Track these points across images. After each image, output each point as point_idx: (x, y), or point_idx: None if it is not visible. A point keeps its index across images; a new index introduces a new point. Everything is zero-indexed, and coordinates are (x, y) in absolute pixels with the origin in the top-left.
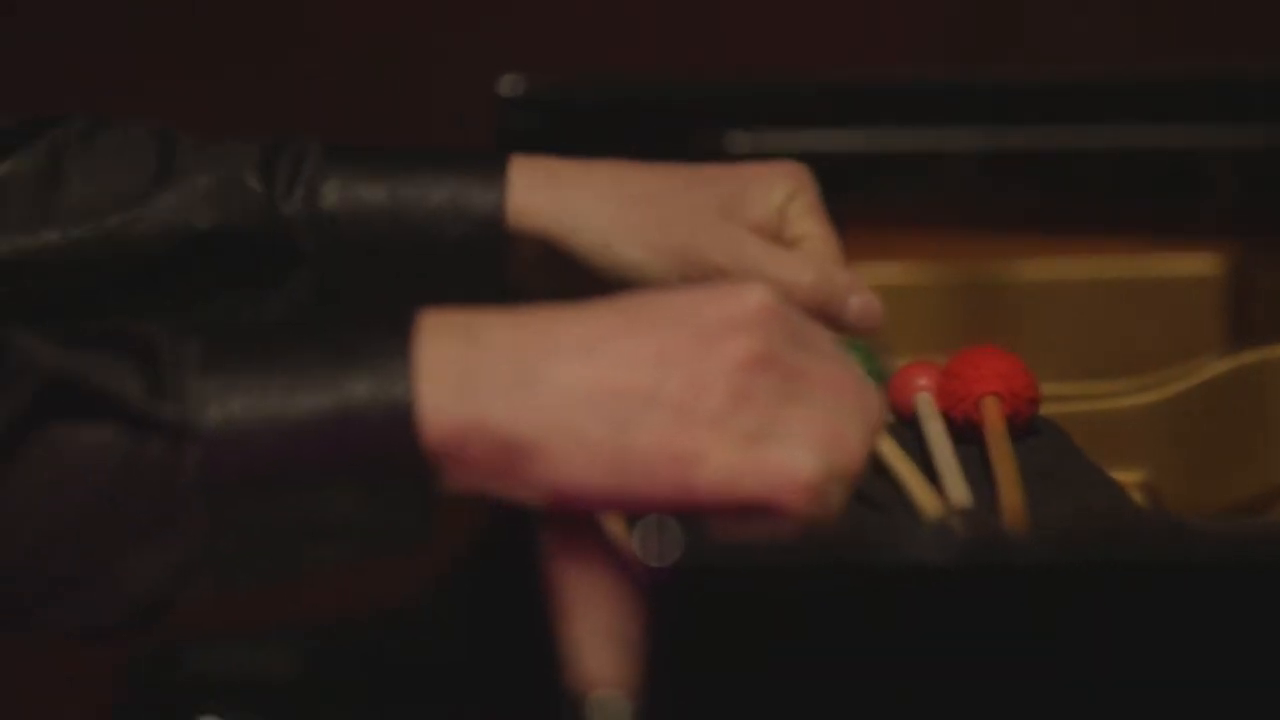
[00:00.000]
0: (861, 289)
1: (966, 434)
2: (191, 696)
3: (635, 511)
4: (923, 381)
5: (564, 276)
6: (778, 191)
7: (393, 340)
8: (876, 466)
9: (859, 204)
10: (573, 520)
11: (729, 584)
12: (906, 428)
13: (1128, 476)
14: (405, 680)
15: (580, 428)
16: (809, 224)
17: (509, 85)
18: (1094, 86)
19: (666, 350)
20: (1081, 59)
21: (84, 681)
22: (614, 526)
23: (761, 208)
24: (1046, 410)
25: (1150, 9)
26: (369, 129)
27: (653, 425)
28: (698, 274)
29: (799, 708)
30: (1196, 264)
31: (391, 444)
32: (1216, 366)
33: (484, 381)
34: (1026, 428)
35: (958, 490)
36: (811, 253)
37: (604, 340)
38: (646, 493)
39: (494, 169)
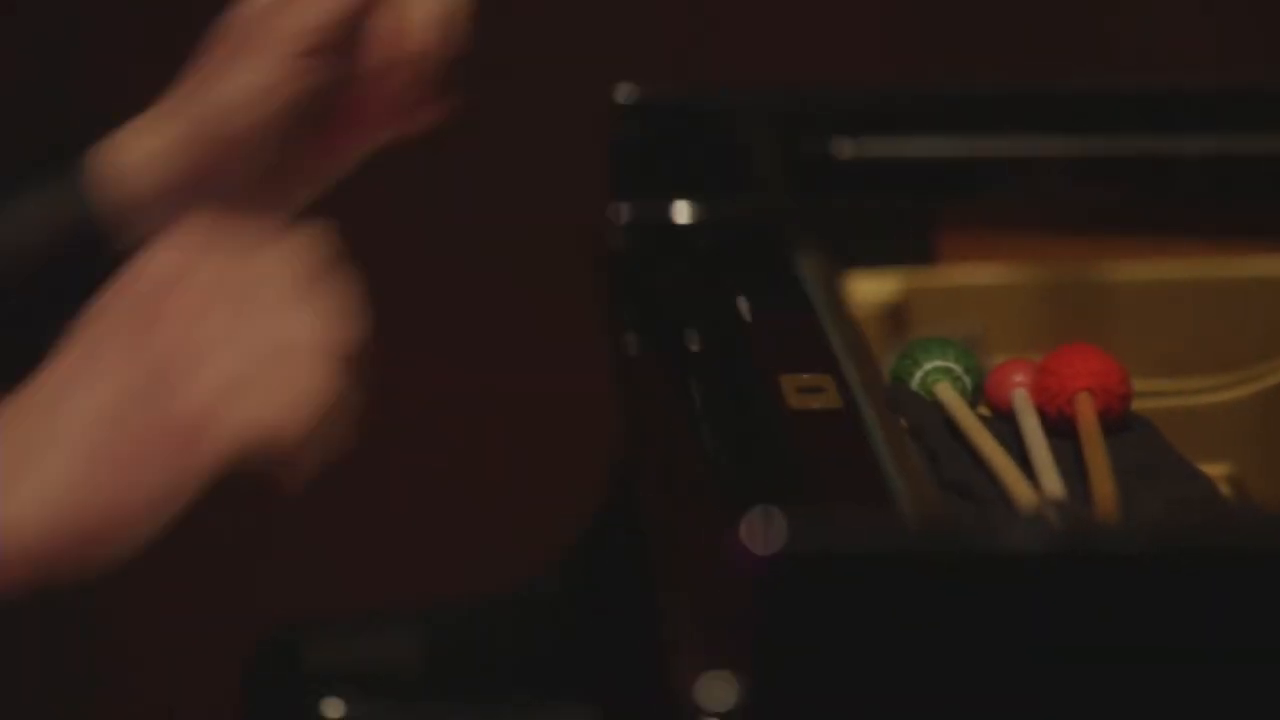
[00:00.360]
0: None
1: (1060, 429)
2: (316, 682)
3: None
4: (1019, 378)
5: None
6: None
7: None
8: (974, 459)
9: (959, 208)
10: (679, 508)
11: (831, 571)
12: (1003, 422)
13: (1216, 470)
14: (519, 665)
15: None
16: None
17: (624, 93)
18: (1187, 93)
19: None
20: (1163, 68)
21: (212, 669)
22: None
23: None
24: (1138, 406)
25: (1230, 19)
26: (488, 136)
27: (138, 435)
28: None
29: (898, 692)
30: None
31: None
32: None
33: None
34: (1118, 423)
35: (1052, 482)
36: None
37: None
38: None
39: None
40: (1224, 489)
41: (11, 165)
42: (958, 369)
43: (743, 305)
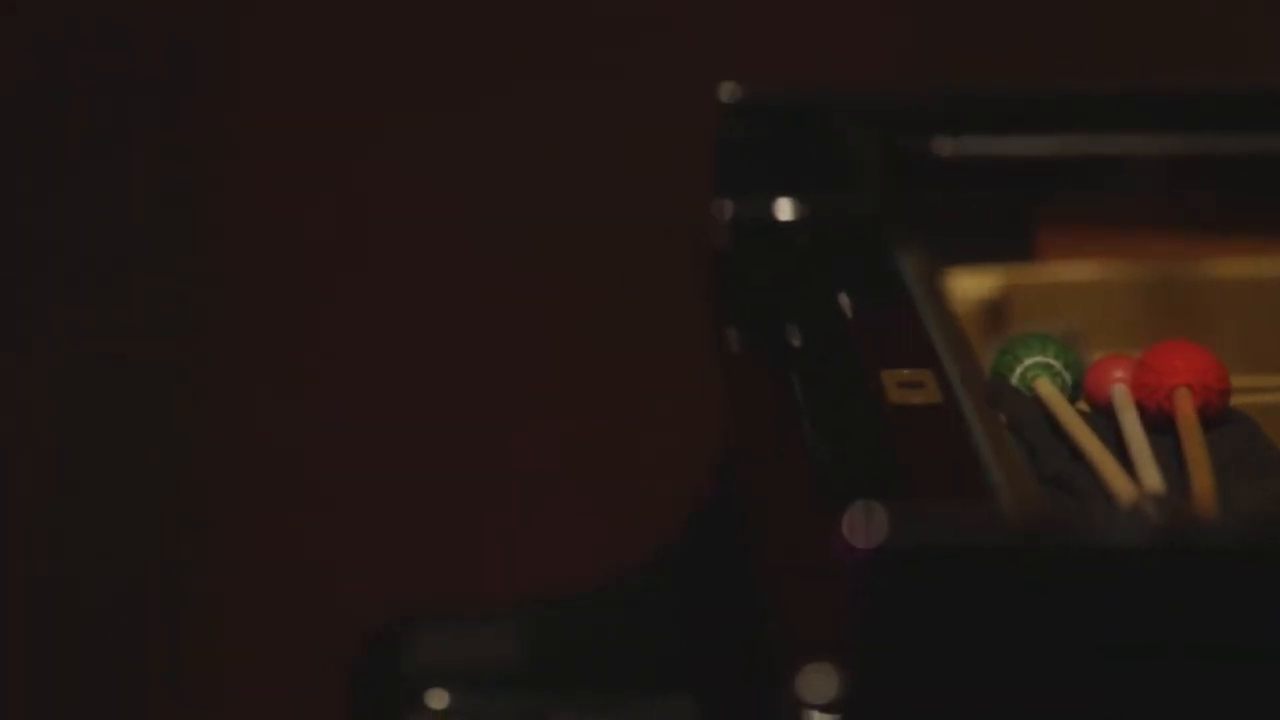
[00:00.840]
0: None
1: (1160, 424)
2: (420, 674)
3: None
4: (1118, 374)
5: None
6: None
7: None
8: (1074, 454)
9: (1056, 205)
10: (781, 502)
11: (931, 565)
12: (1102, 418)
13: None
14: (621, 657)
15: None
16: None
17: (728, 92)
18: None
19: None
20: (1261, 64)
21: (319, 664)
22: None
23: None
24: (1237, 401)
25: None
26: (595, 134)
27: None
28: None
29: (996, 687)
30: None
31: None
32: None
33: None
34: (1217, 418)
35: (1151, 477)
36: None
37: None
38: None
39: None
40: None
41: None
42: (1057, 365)
43: (844, 301)
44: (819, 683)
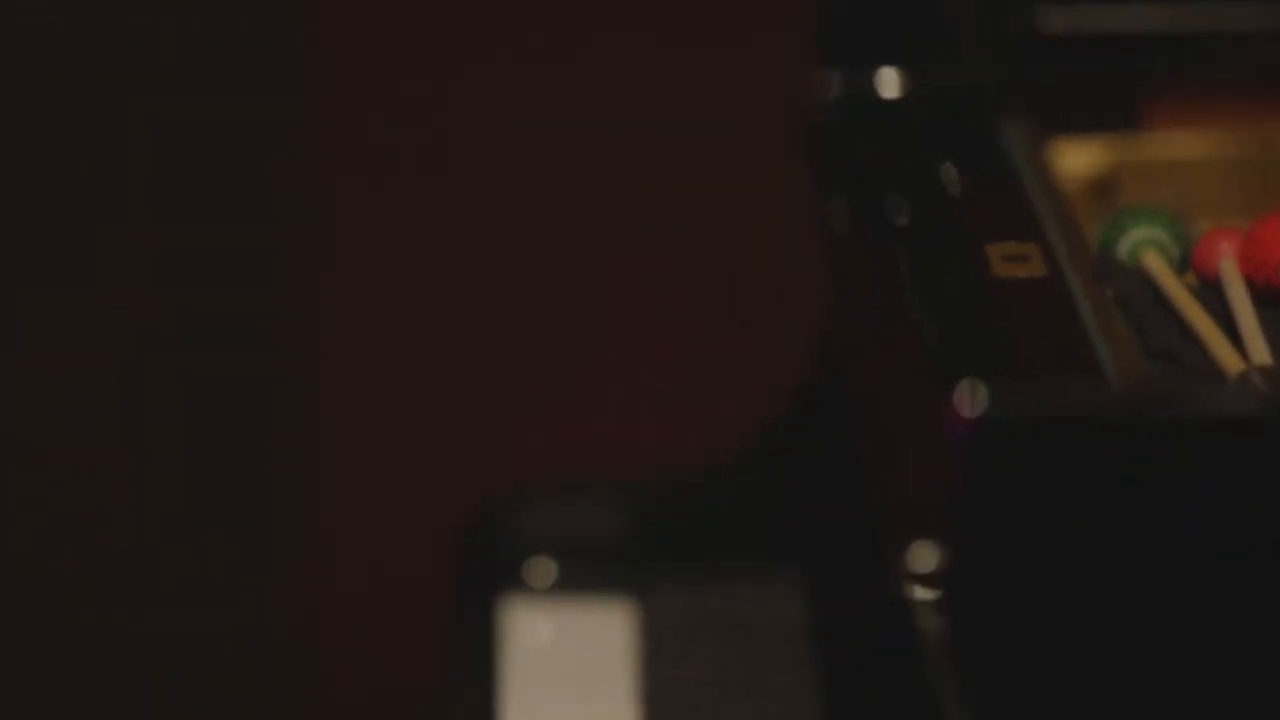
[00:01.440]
0: None
1: (1267, 297)
2: (526, 546)
3: None
4: (1225, 247)
5: None
6: None
7: None
8: (1181, 328)
9: (1166, 79)
10: (887, 376)
11: (1038, 437)
12: (1210, 291)
13: None
14: (727, 531)
15: None
16: None
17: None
18: None
19: None
20: None
21: (428, 530)
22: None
23: None
24: None
25: None
26: (679, 120)
27: None
28: None
29: (1098, 559)
30: None
31: None
32: None
33: None
34: None
35: (1259, 350)
36: None
37: None
38: None
39: None
40: None
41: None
42: (1165, 238)
43: (949, 175)
44: (924, 554)
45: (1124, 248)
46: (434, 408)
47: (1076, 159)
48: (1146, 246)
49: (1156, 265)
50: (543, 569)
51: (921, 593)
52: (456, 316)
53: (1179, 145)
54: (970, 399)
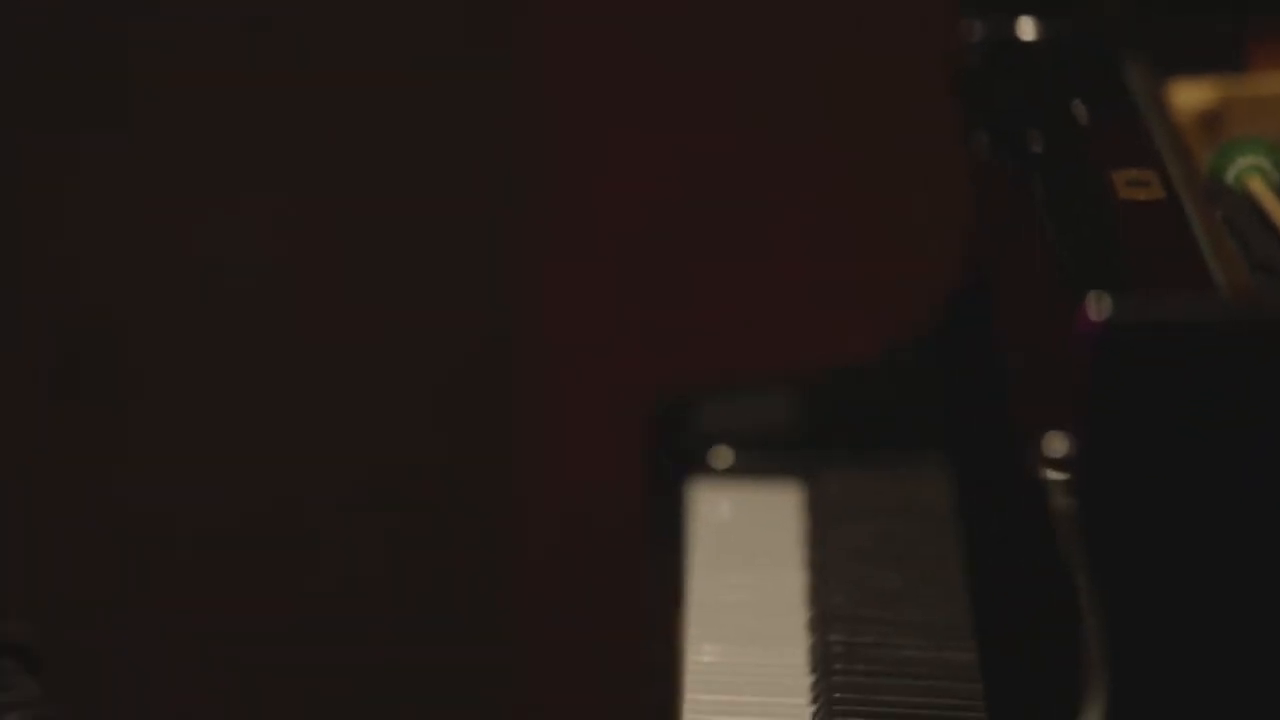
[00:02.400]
0: None
1: None
2: (708, 436)
3: None
4: None
5: None
6: None
7: None
8: None
9: (1266, 24)
10: (1025, 287)
11: (1158, 341)
12: None
13: None
14: (886, 421)
15: None
16: None
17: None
18: None
19: None
20: None
21: (626, 422)
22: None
23: None
24: None
25: None
26: (845, 64)
27: None
28: None
29: (1205, 446)
30: None
31: None
32: None
33: None
34: None
35: None
36: None
37: None
38: None
39: None
40: None
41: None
42: (1268, 165)
43: (1078, 110)
44: (1057, 443)
45: (1231, 174)
46: (629, 314)
47: (1189, 96)
48: (1251, 172)
49: (1260, 189)
50: (723, 455)
51: (1053, 475)
52: (646, 236)
53: (1279, 83)
54: (1097, 307)
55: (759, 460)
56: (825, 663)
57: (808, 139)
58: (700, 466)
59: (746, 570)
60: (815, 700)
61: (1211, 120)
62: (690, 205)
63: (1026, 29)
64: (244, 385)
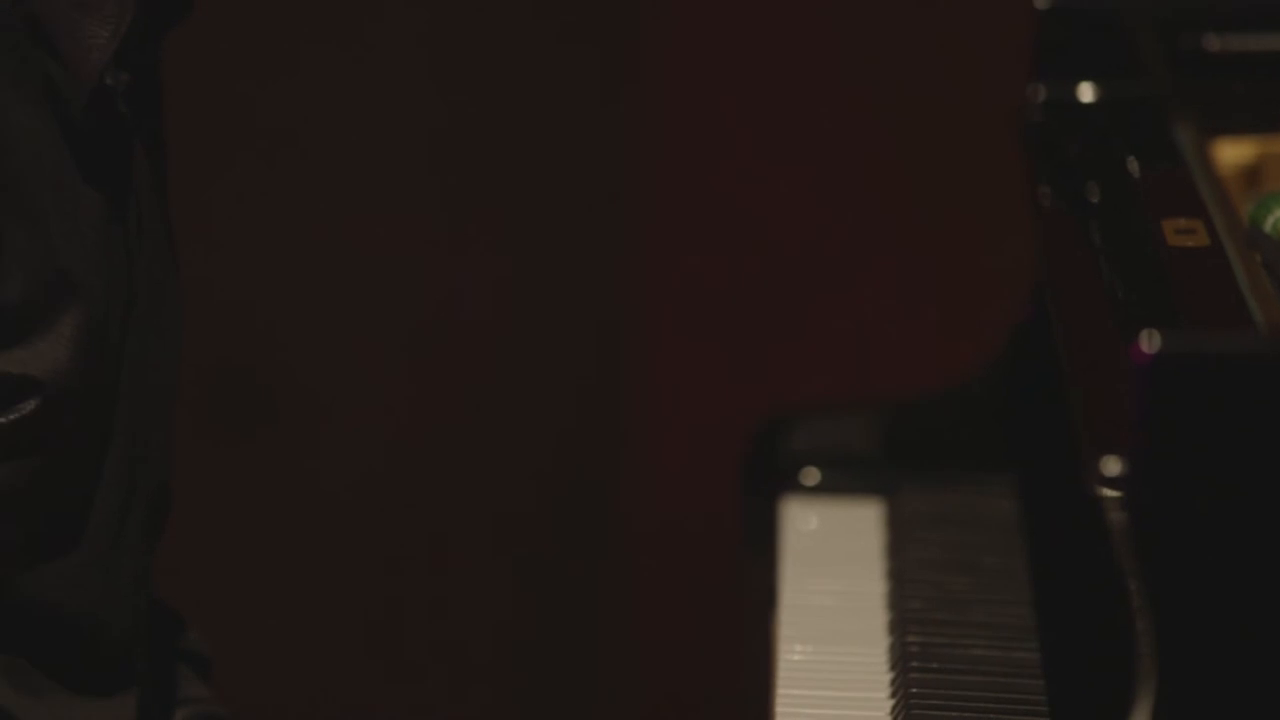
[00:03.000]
0: None
1: None
2: (799, 456)
3: None
4: None
5: None
6: None
7: None
8: None
9: None
10: (1085, 323)
11: (1204, 372)
12: None
13: None
14: (961, 444)
15: None
16: None
17: (1043, 2)
18: None
19: None
20: None
21: (720, 442)
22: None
23: None
24: None
25: None
26: (914, 42)
27: None
28: None
29: (1245, 468)
30: None
31: None
32: None
33: None
34: None
35: None
36: None
37: None
38: None
39: None
40: None
41: None
42: None
43: (1132, 165)
44: (1113, 464)
45: (1269, 223)
46: (733, 344)
47: (1231, 153)
48: None
49: None
50: (811, 473)
51: (1109, 493)
52: (748, 277)
53: None
54: (1149, 342)
55: (844, 478)
56: (903, 661)
57: (893, 189)
58: (792, 484)
59: (832, 577)
60: (894, 695)
61: (1252, 175)
62: (786, 250)
63: (1086, 92)
64: (380, 420)
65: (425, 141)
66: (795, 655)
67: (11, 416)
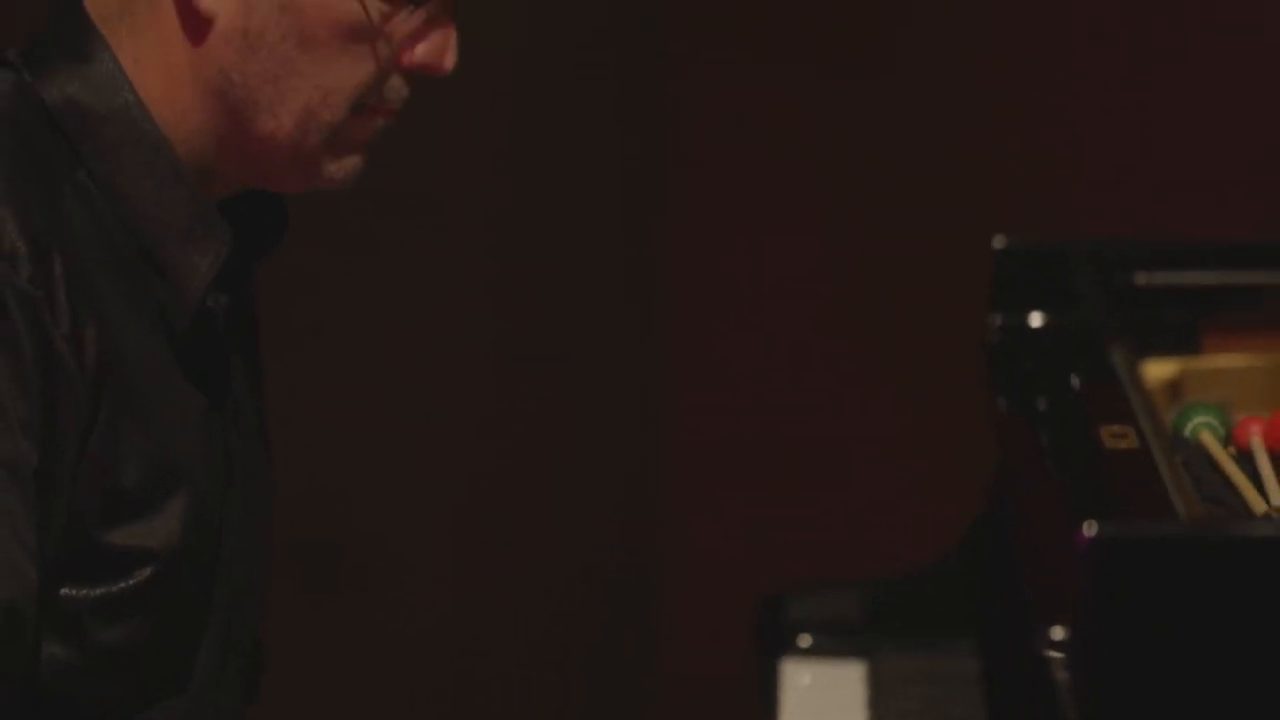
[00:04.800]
0: None
1: None
2: (795, 624)
3: None
4: (1255, 428)
5: None
6: None
7: None
8: (1226, 482)
9: (1215, 318)
10: (1035, 513)
11: (1135, 554)
12: (1245, 458)
13: None
14: (931, 616)
15: None
16: None
17: (999, 241)
18: None
19: None
20: None
21: (735, 611)
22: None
23: None
24: None
25: None
26: (897, 278)
27: None
28: None
29: (1172, 635)
30: None
31: None
32: None
33: None
34: None
35: (1276, 495)
36: None
37: None
38: None
39: None
40: None
41: None
42: (1215, 423)
43: (1074, 380)
44: (1057, 631)
45: (1188, 429)
46: (736, 524)
47: (1157, 370)
48: (1203, 428)
49: (1209, 441)
50: (805, 638)
51: (1055, 655)
52: (760, 489)
53: (1225, 362)
54: (1089, 529)
55: (832, 643)
56: None
57: (880, 401)
58: (789, 646)
59: None
60: None
61: (1174, 389)
62: (796, 455)
63: (1036, 319)
64: (444, 578)
65: (484, 338)
66: None
67: (131, 581)
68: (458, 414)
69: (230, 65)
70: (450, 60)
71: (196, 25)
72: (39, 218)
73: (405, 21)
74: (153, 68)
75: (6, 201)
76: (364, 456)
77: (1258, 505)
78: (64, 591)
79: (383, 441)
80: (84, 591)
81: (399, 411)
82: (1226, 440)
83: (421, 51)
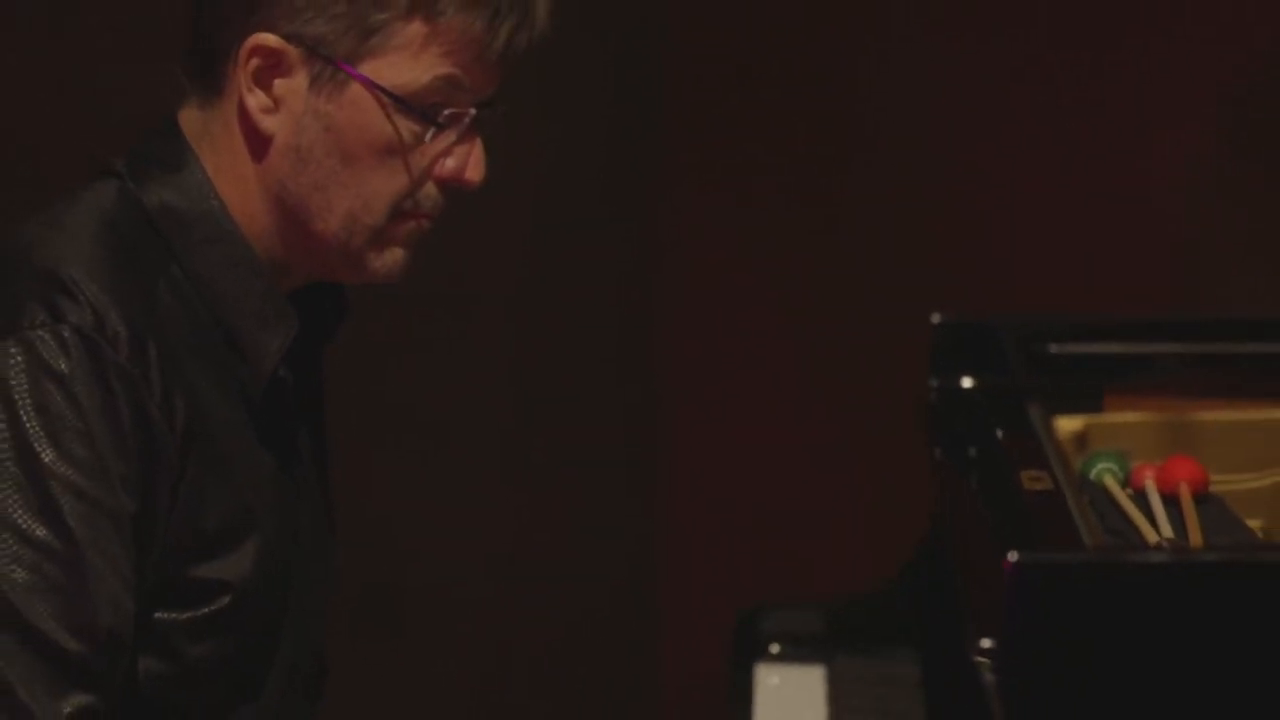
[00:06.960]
0: None
1: (1171, 501)
2: (766, 638)
3: None
4: (1149, 474)
5: None
6: None
7: None
8: (1125, 517)
9: (1116, 381)
10: (968, 541)
11: (1049, 576)
12: (1140, 498)
13: (1254, 523)
14: (883, 627)
15: None
16: None
17: (936, 318)
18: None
19: None
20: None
21: (718, 623)
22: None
23: None
24: (1214, 489)
25: None
26: (850, 351)
27: None
28: None
29: (1085, 647)
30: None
31: None
32: None
33: None
34: (1203, 498)
35: (1166, 530)
36: None
37: None
38: None
39: None
40: (1259, 534)
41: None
42: (1116, 468)
43: (999, 433)
44: (986, 641)
45: (1093, 473)
46: (719, 549)
47: (1067, 425)
48: (1105, 473)
49: (1111, 483)
50: (776, 647)
51: (984, 661)
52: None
53: (1123, 418)
54: (1013, 557)
55: (798, 650)
56: None
57: (836, 449)
58: (763, 653)
59: (790, 718)
60: None
61: (1081, 440)
62: (776, 503)
63: (967, 382)
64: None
65: (501, 423)
66: None
67: (211, 608)
68: (477, 475)
69: (286, 176)
70: (476, 174)
71: (259, 143)
72: (138, 306)
73: (435, 140)
74: (229, 178)
75: (110, 292)
76: (411, 512)
77: (1150, 537)
78: (158, 615)
79: (427, 507)
80: (174, 615)
81: (440, 487)
82: (1125, 483)
83: (451, 165)
